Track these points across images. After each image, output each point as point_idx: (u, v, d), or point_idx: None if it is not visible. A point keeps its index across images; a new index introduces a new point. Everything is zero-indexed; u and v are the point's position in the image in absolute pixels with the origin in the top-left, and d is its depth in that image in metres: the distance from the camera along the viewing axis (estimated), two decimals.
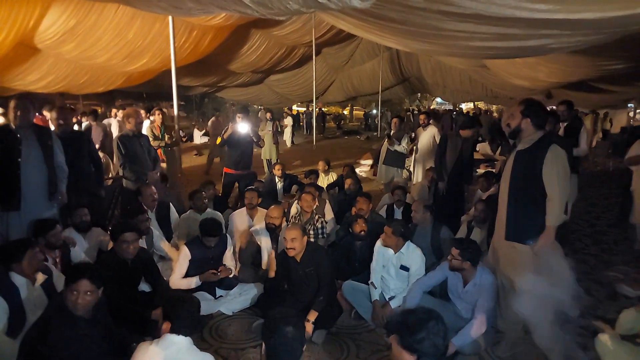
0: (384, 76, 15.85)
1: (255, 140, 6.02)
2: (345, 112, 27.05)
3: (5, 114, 5.71)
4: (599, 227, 6.01)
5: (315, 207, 4.81)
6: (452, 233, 4.13)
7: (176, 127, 7.26)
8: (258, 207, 4.68)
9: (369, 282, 3.53)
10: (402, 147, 6.49)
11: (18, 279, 2.73)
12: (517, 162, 2.78)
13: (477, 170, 9.10)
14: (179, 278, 3.65)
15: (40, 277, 2.88)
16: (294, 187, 6.03)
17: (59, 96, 11.18)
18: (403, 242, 3.46)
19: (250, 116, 6.90)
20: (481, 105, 23.21)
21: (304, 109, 21.99)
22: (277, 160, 9.15)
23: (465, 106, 25.42)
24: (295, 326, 1.82)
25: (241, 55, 12.25)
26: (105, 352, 2.35)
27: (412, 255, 3.44)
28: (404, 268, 3.42)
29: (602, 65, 6.85)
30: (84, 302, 2.26)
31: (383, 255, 3.51)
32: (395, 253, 3.46)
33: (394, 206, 5.03)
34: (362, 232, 3.94)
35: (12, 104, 3.51)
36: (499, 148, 10.68)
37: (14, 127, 3.52)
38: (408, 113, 19.59)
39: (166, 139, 6.53)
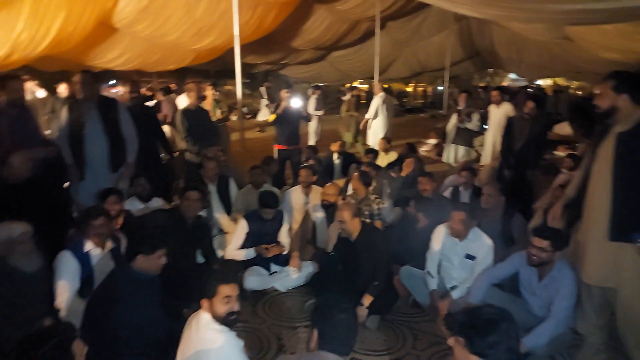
0: (453, 50, 14.94)
1: (304, 115, 6.01)
2: (409, 88, 26.11)
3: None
4: None
5: (372, 187, 4.64)
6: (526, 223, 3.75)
7: (239, 103, 7.38)
8: (313, 185, 4.61)
9: (425, 270, 3.32)
10: (473, 124, 6.05)
11: (89, 244, 2.89)
12: (620, 146, 2.33)
13: (554, 152, 8.36)
14: (234, 249, 3.69)
15: (109, 245, 3.02)
16: (353, 166, 5.87)
17: (135, 73, 11.80)
18: (470, 228, 3.18)
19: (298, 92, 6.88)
20: (561, 81, 21.23)
21: (366, 86, 21.50)
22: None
23: (543, 82, 23.42)
24: (349, 313, 1.74)
25: (304, 32, 12.11)
26: (161, 316, 2.41)
27: (480, 243, 3.14)
28: (469, 257, 3.16)
29: None
30: (157, 265, 2.41)
31: (446, 243, 3.26)
32: (461, 240, 3.19)
33: (460, 189, 4.70)
34: (423, 216, 3.70)
35: (76, 78, 3.67)
36: (581, 129, 9.70)
37: (79, 100, 3.69)
38: (479, 90, 18.43)
39: (218, 115, 6.65)
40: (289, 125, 5.78)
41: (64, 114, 3.73)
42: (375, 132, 7.80)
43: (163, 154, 4.96)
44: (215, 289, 2.07)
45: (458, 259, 3.20)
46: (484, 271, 3.02)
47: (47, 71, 11.19)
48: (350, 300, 1.82)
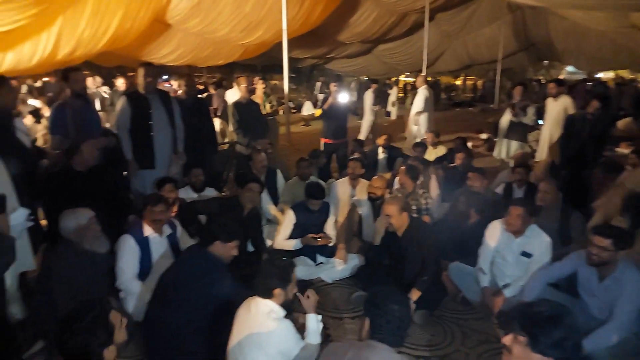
0: (505, 42, 14.29)
1: (351, 109, 5.98)
2: (458, 82, 25.31)
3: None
4: None
5: (419, 182, 4.56)
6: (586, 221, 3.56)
7: (286, 98, 7.46)
8: (360, 178, 4.60)
9: (477, 267, 3.23)
10: (528, 118, 5.78)
11: (148, 229, 3.06)
12: None
13: (616, 149, 7.84)
14: (282, 239, 3.76)
15: (166, 230, 3.17)
16: (399, 160, 5.79)
17: (186, 68, 12.24)
18: (528, 225, 3.06)
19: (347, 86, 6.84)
20: (624, 74, 19.79)
21: (412, 79, 21.09)
22: None
23: (604, 75, 21.90)
24: (402, 305, 1.74)
25: (351, 25, 12.04)
26: (225, 300, 2.51)
27: (537, 240, 3.01)
28: (525, 254, 3.03)
29: None
30: (230, 254, 2.58)
31: (501, 239, 3.14)
32: (517, 237, 3.06)
33: (513, 185, 4.51)
34: (474, 212, 3.60)
35: (141, 71, 3.85)
36: None
37: (142, 92, 3.87)
38: (533, 83, 17.57)
39: (267, 109, 6.74)
40: (336, 119, 5.78)
41: (124, 106, 3.90)
42: (420, 126, 7.65)
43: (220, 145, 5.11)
44: (289, 276, 2.17)
45: (513, 256, 3.08)
46: (540, 270, 2.89)
47: (105, 66, 11.85)
48: (403, 293, 1.82)
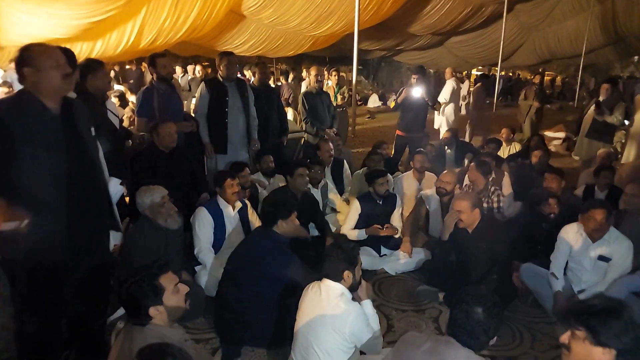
0: (591, 35, 13.22)
1: (430, 103, 5.76)
2: (535, 78, 23.81)
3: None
4: None
5: (491, 179, 4.40)
6: None
7: (354, 90, 7.47)
8: (426, 172, 4.53)
9: (550, 271, 3.08)
10: (615, 117, 5.35)
11: (222, 203, 3.27)
12: None
13: None
14: (349, 229, 3.81)
15: (238, 205, 3.37)
16: (469, 156, 5.61)
17: (258, 58, 12.63)
18: (608, 228, 2.88)
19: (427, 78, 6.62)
20: None
21: (480, 73, 20.15)
22: None
23: None
24: (487, 308, 1.64)
25: (422, 17, 11.75)
26: (293, 279, 2.61)
27: (616, 244, 2.83)
28: (602, 259, 2.86)
29: None
30: (295, 227, 2.70)
31: (577, 243, 2.98)
32: (594, 241, 2.90)
33: (595, 188, 4.23)
34: (552, 215, 3.43)
35: (221, 59, 4.04)
36: None
37: (221, 79, 4.08)
38: (619, 80, 16.12)
39: (338, 100, 6.77)
40: (411, 111, 5.62)
41: (203, 92, 4.11)
42: (447, 118, 7.83)
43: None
44: (356, 259, 2.22)
45: (590, 260, 2.91)
46: (622, 277, 2.72)
47: (182, 55, 12.53)
48: (494, 296, 1.73)
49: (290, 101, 7.74)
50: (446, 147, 5.89)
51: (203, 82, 4.22)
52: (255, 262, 2.56)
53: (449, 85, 7.88)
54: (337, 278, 2.20)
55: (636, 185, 3.41)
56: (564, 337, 1.47)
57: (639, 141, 5.21)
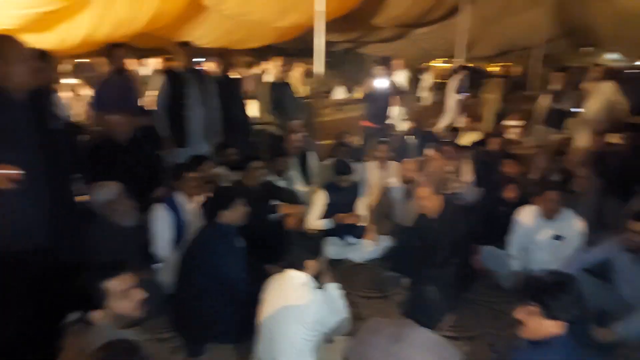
0: (546, 27, 13.74)
1: (394, 94, 5.84)
2: (496, 68, 24.52)
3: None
4: None
5: (452, 166, 4.52)
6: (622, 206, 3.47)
7: (319, 82, 7.42)
8: (390, 161, 4.60)
9: (508, 253, 3.21)
10: (567, 104, 5.59)
11: (180, 197, 3.18)
12: None
13: None
14: (315, 219, 3.82)
15: (200, 199, 3.26)
16: (431, 144, 5.72)
17: (218, 51, 12.36)
18: (561, 209, 3.02)
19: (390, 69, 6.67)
20: None
21: (447, 65, 20.58)
22: None
23: None
24: (439, 290, 1.75)
25: (387, 8, 11.80)
26: (245, 270, 2.60)
27: (569, 224, 3.00)
28: (557, 237, 3.01)
29: None
30: (240, 216, 2.64)
31: (533, 224, 3.11)
32: (549, 222, 3.04)
33: (550, 172, 4.41)
34: (514, 199, 3.56)
35: (177, 48, 3.93)
36: None
37: (180, 70, 3.97)
38: (571, 70, 16.86)
39: (305, 91, 6.75)
40: (377, 102, 5.68)
41: (162, 83, 3.97)
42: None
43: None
44: (319, 247, 2.23)
45: (545, 240, 3.06)
46: (575, 254, 2.87)
47: (141, 48, 12.08)
48: (446, 276, 1.81)
49: (253, 93, 7.64)
50: (410, 137, 6.00)
51: (161, 73, 4.10)
52: (203, 257, 2.51)
53: (401, 76, 7.95)
54: (301, 267, 2.21)
55: (586, 168, 3.59)
56: (519, 313, 1.53)
57: (588, 127, 5.47)
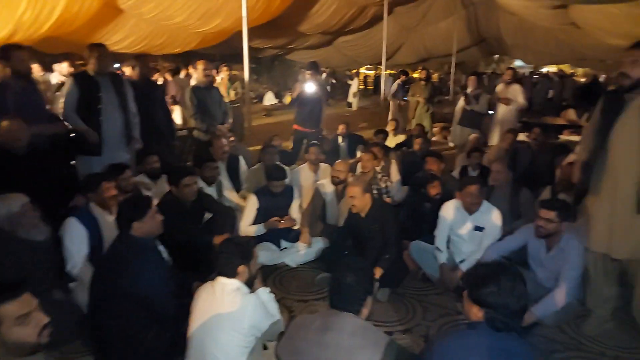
0: (459, 37, 14.76)
1: (324, 99, 5.91)
2: (415, 74, 25.95)
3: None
4: None
5: (380, 167, 4.66)
6: (533, 197, 3.79)
7: (247, 88, 7.34)
8: (322, 163, 4.63)
9: (435, 247, 3.36)
10: (481, 106, 6.04)
11: (96, 210, 2.93)
12: None
13: (560, 136, 8.37)
14: (246, 225, 3.72)
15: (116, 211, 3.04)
16: (360, 147, 5.89)
17: (144, 56, 11.77)
18: (481, 201, 3.22)
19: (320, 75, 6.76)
20: (566, 68, 21.06)
21: (372, 72, 21.39)
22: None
23: (548, 69, 23.26)
24: (356, 276, 1.76)
25: (311, 16, 12.00)
26: (167, 284, 2.41)
27: (488, 215, 3.19)
28: (478, 229, 3.20)
29: None
30: (156, 225, 2.42)
31: (455, 217, 3.28)
32: (470, 214, 3.22)
33: (469, 168, 4.72)
34: (437, 195, 3.74)
35: (91, 51, 3.66)
36: (586, 114, 9.64)
37: (92, 74, 3.69)
38: (484, 76, 18.35)
39: (232, 96, 6.62)
40: (306, 106, 5.67)
41: (71, 87, 3.67)
42: None
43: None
44: (250, 252, 2.15)
45: (467, 232, 3.23)
46: (493, 244, 3.06)
47: (50, 53, 11.15)
48: (361, 262, 1.86)
49: (178, 99, 7.35)
50: (340, 141, 6.12)
51: (71, 77, 3.77)
52: (116, 273, 2.28)
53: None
54: (232, 274, 2.14)
55: (499, 163, 3.87)
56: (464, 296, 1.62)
57: (500, 127, 5.96)
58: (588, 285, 2.71)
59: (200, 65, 4.83)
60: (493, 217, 3.17)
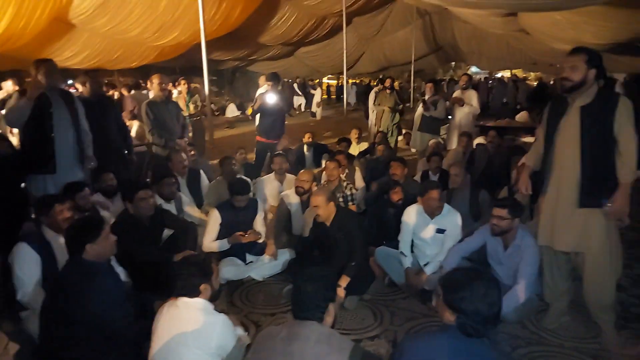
0: (417, 45, 15.22)
1: (285, 109, 5.90)
2: (374, 82, 26.50)
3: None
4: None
5: (344, 174, 4.69)
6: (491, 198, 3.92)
7: (207, 100, 7.26)
8: (287, 173, 4.61)
9: (399, 251, 3.40)
10: (438, 112, 6.21)
11: (49, 233, 2.78)
12: (586, 118, 2.41)
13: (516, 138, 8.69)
14: (210, 241, 3.64)
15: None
16: (325, 155, 5.91)
17: (94, 72, 11.44)
18: (442, 204, 3.30)
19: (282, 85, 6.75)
20: (519, 72, 22.11)
21: (335, 81, 21.66)
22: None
23: (502, 74, 24.33)
24: (315, 284, 1.75)
25: (271, 27, 12.05)
26: (124, 307, 2.33)
27: (449, 217, 3.28)
28: (439, 231, 3.27)
29: None
30: (109, 246, 2.32)
31: (418, 221, 3.35)
32: (432, 218, 3.29)
33: (429, 173, 4.83)
34: (400, 201, 3.79)
35: (38, 67, 3.50)
36: (539, 117, 10.11)
37: (43, 90, 3.54)
38: (442, 83, 18.95)
39: (191, 109, 6.52)
40: (269, 117, 5.61)
41: (19, 104, 3.47)
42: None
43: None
44: (210, 268, 2.12)
45: (430, 235, 3.30)
46: (455, 246, 3.13)
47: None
48: (322, 270, 1.85)
49: (135, 114, 7.17)
50: (305, 150, 6.13)
51: (16, 93, 3.60)
52: (69, 300, 2.16)
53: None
54: (194, 293, 2.09)
55: (457, 167, 3.99)
56: (434, 298, 1.66)
57: (457, 131, 6.14)
58: (545, 280, 2.81)
59: (156, 80, 4.72)
60: (454, 219, 3.26)
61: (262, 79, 8.05)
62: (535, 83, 18.60)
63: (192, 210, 4.14)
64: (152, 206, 3.26)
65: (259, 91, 6.28)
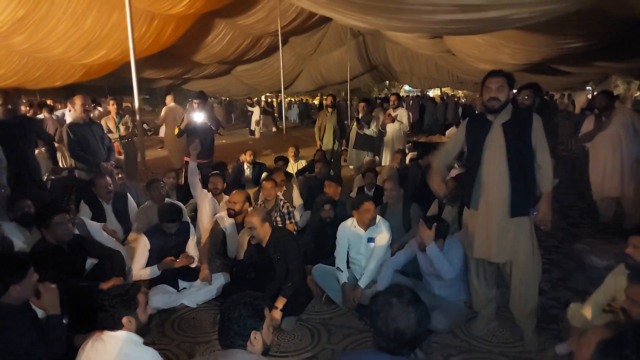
0: (352, 64, 15.74)
1: (214, 128, 5.76)
2: (316, 101, 26.95)
3: None
4: (565, 202, 6.09)
5: (281, 193, 4.67)
6: (423, 212, 4.07)
7: (137, 119, 6.98)
8: (223, 194, 4.50)
9: (336, 267, 3.42)
10: (372, 130, 6.41)
11: None
12: (508, 134, 2.58)
13: None
14: (139, 269, 3.44)
15: None
16: (264, 174, 5.86)
17: (14, 91, 10.63)
18: (376, 216, 3.39)
19: (208, 104, 6.62)
20: (448, 90, 23.56)
21: (274, 99, 21.74)
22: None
23: (433, 92, 25.79)
24: (239, 310, 1.71)
25: (206, 46, 11.92)
26: (42, 346, 2.14)
27: (380, 227, 3.38)
28: (370, 240, 3.37)
29: (563, 44, 6.97)
30: (31, 287, 2.14)
31: (351, 235, 3.40)
32: (366, 230, 3.37)
33: (365, 189, 4.95)
34: (328, 218, 3.83)
35: None
36: None
37: None
38: (378, 101, 19.69)
39: (121, 131, 6.22)
40: (197, 136, 5.38)
41: None
42: None
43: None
44: (134, 299, 2.00)
45: (363, 246, 3.37)
46: (388, 260, 3.20)
47: None
48: (249, 296, 1.80)
49: (56, 137, 6.71)
50: (245, 168, 6.04)
51: None
52: None
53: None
54: (117, 327, 1.95)
55: (391, 182, 4.11)
56: None
57: (390, 148, 6.38)
58: (472, 289, 2.94)
59: (79, 101, 4.44)
60: (381, 227, 3.38)
61: (168, 98, 7.92)
62: (463, 100, 19.88)
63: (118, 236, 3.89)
64: (70, 232, 3.02)
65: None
